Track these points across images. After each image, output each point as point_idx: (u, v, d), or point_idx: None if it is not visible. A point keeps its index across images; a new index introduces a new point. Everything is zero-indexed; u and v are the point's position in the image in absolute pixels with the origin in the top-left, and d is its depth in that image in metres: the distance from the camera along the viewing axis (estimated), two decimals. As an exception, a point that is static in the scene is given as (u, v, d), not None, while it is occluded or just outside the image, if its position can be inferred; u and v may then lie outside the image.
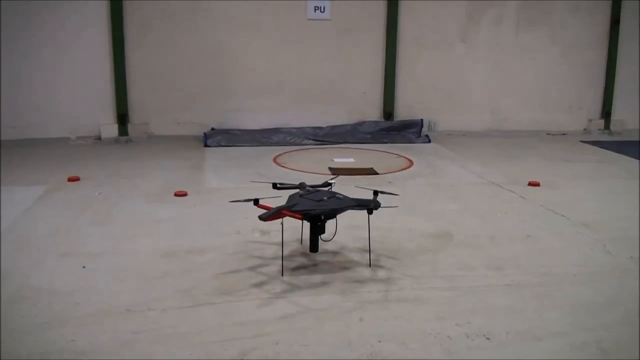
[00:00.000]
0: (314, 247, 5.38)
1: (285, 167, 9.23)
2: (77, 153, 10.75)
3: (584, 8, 13.54)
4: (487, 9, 13.23)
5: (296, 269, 5.31)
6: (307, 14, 12.58)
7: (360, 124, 12.95)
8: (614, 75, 13.88)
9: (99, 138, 11.94)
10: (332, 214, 5.23)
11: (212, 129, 12.02)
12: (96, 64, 11.86)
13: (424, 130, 13.07)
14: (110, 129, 12.02)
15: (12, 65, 11.39)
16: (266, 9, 12.34)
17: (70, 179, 8.43)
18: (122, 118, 12.06)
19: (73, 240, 6.02)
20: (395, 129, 12.92)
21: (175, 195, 7.61)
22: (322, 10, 12.62)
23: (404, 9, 12.87)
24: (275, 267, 5.22)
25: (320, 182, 5.87)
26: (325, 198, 5.20)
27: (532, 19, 13.40)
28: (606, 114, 14.10)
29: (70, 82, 11.78)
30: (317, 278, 5.11)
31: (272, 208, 5.13)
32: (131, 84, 12.09)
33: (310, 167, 9.26)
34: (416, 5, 12.92)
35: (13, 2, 11.16)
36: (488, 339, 4.12)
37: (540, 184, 8.51)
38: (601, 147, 12.06)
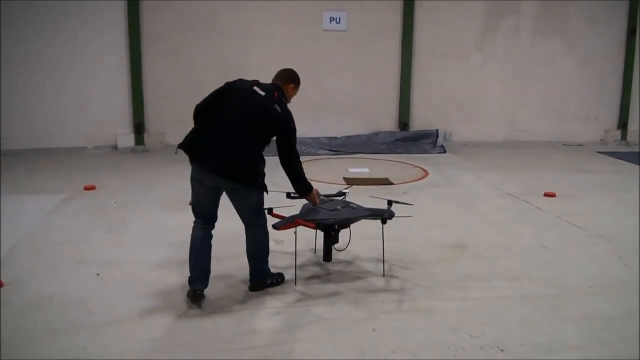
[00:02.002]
0: (327, 256, 5.35)
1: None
2: (93, 162, 10.84)
3: (600, 18, 13.50)
4: (504, 19, 13.22)
5: (309, 278, 5.31)
6: (322, 26, 12.65)
7: (376, 134, 12.97)
8: (631, 86, 13.80)
9: (116, 147, 12.05)
10: (346, 224, 5.21)
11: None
12: (114, 74, 12.02)
13: (439, 140, 13.05)
14: (127, 139, 12.12)
15: (32, 76, 11.53)
16: (282, 21, 12.43)
17: (87, 188, 8.50)
18: (139, 128, 12.16)
19: (88, 248, 6.06)
20: (410, 139, 12.92)
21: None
22: (338, 21, 12.68)
23: (419, 20, 12.89)
24: (288, 277, 5.21)
25: (334, 192, 5.86)
26: (339, 207, 5.19)
27: (549, 29, 13.37)
28: (623, 124, 14.00)
29: (88, 93, 11.94)
30: (330, 288, 5.10)
31: (285, 217, 5.14)
32: (148, 95, 12.21)
33: (325, 176, 9.26)
34: (432, 16, 12.94)
35: (33, 15, 11.30)
36: (502, 350, 4.08)
37: (556, 195, 8.45)
38: (618, 158, 11.96)
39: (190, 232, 4.89)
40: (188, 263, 4.81)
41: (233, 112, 4.65)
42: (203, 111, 4.80)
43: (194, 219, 4.89)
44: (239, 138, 4.57)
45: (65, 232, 6.58)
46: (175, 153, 4.87)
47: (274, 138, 4.80)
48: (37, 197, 8.05)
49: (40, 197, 8.05)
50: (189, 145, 4.67)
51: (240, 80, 4.96)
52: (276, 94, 4.82)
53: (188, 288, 4.77)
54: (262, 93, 4.75)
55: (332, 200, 5.47)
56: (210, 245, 4.87)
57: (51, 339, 4.14)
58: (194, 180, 4.73)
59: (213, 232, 4.91)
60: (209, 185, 4.66)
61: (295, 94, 5.07)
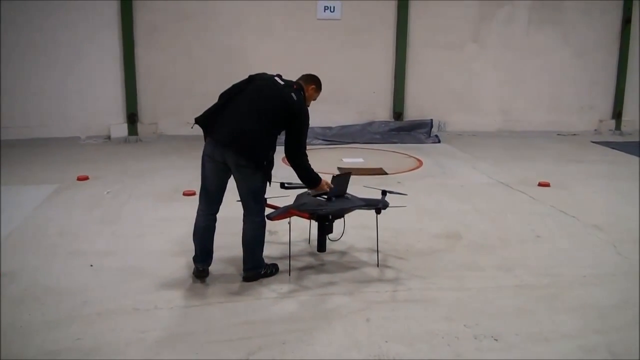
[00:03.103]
0: (321, 247, 5.35)
1: (294, 167, 9.21)
2: (87, 152, 10.80)
3: (595, 8, 13.48)
4: (499, 9, 13.20)
5: (304, 268, 5.30)
6: (317, 14, 12.58)
7: (370, 124, 12.94)
8: (625, 76, 13.80)
9: (109, 138, 12.00)
10: (340, 214, 5.21)
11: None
12: (107, 64, 11.95)
13: (434, 130, 13.04)
14: (120, 129, 12.08)
15: (24, 66, 11.47)
16: (276, 10, 12.37)
17: (80, 178, 8.46)
18: (132, 118, 12.12)
19: (81, 239, 6.03)
20: (404, 129, 12.90)
21: (184, 194, 7.62)
22: (332, 10, 12.62)
23: (414, 9, 12.85)
24: (282, 267, 5.20)
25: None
26: (334, 198, 5.17)
27: (544, 19, 13.35)
28: (617, 114, 14.02)
29: (81, 83, 11.87)
30: (324, 278, 5.10)
31: (280, 207, 5.13)
32: (141, 85, 12.15)
33: (319, 167, 9.18)
34: (427, 5, 12.90)
35: (26, 5, 11.22)
36: (496, 340, 4.09)
37: (551, 185, 8.46)
38: (612, 148, 11.99)
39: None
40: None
41: (251, 96, 4.86)
42: (224, 95, 4.99)
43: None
44: (254, 118, 4.75)
45: (59, 223, 6.55)
46: (192, 127, 4.99)
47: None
48: (30, 187, 8.01)
49: (33, 187, 8.00)
50: (205, 119, 4.87)
51: (264, 72, 5.18)
52: (295, 85, 5.03)
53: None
54: (282, 82, 5.00)
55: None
56: (212, 230, 5.02)
57: (45, 330, 4.12)
58: (205, 156, 4.85)
59: (218, 215, 5.02)
60: (218, 160, 4.75)
61: (314, 97, 5.23)
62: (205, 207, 4.96)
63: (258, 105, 4.79)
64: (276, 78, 5.03)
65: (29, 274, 5.09)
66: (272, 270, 5.11)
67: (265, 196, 5.10)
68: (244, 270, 5.00)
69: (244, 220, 4.92)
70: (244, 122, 4.72)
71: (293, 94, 4.90)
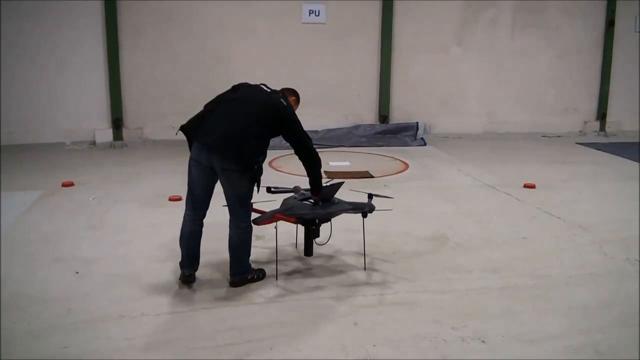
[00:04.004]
0: (308, 251, 5.35)
1: (281, 171, 9.20)
2: (71, 158, 10.73)
3: (579, 11, 13.58)
4: (483, 12, 13.26)
5: (291, 273, 5.29)
6: (302, 18, 12.58)
7: (356, 127, 12.95)
8: (609, 77, 13.91)
9: (94, 143, 11.92)
10: (327, 218, 5.22)
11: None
12: (91, 69, 11.86)
13: (420, 133, 13.08)
14: (105, 134, 12.00)
15: (8, 70, 11.36)
16: (261, 13, 12.35)
17: (65, 184, 8.40)
18: (117, 123, 12.05)
19: (66, 246, 5.99)
20: (390, 132, 12.92)
21: (170, 200, 7.58)
22: (317, 14, 12.63)
23: (399, 13, 12.88)
24: (269, 272, 5.18)
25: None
26: (320, 202, 5.17)
27: (528, 22, 13.43)
28: (602, 115, 14.12)
29: (65, 87, 11.76)
30: (311, 282, 5.09)
31: (266, 212, 5.12)
32: (126, 89, 12.09)
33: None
34: (411, 9, 12.94)
35: (9, 8, 11.13)
36: (483, 342, 4.10)
37: (536, 186, 8.51)
38: (597, 149, 12.08)
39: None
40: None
41: (238, 102, 4.89)
42: (210, 104, 5.01)
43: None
44: (241, 122, 4.73)
45: (43, 229, 6.50)
46: (176, 134, 4.98)
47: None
48: (13, 194, 7.93)
49: (17, 194, 7.93)
50: (191, 125, 4.85)
51: (246, 82, 5.21)
52: (280, 93, 5.09)
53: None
54: (268, 89, 5.04)
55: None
56: (199, 235, 5.01)
57: (30, 339, 4.08)
58: (191, 160, 4.83)
59: (204, 220, 5.02)
60: (204, 165, 4.73)
61: (295, 109, 5.19)
62: (192, 212, 4.95)
63: (246, 110, 4.79)
64: (262, 85, 5.06)
65: (13, 282, 5.03)
66: (259, 275, 5.09)
67: (252, 201, 5.09)
68: (231, 275, 4.98)
69: (230, 226, 4.89)
70: (230, 126, 4.70)
71: (282, 100, 4.96)
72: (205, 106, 5.00)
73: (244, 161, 4.64)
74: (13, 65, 11.39)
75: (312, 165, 5.07)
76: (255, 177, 4.75)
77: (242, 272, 4.99)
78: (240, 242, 4.92)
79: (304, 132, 4.99)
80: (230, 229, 4.90)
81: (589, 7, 13.63)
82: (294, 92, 5.30)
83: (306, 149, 5.00)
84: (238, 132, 4.66)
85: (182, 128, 4.86)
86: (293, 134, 4.93)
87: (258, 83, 5.14)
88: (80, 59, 11.80)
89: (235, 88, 5.05)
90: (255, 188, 4.85)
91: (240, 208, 4.83)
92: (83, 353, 3.92)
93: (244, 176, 4.70)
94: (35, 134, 11.62)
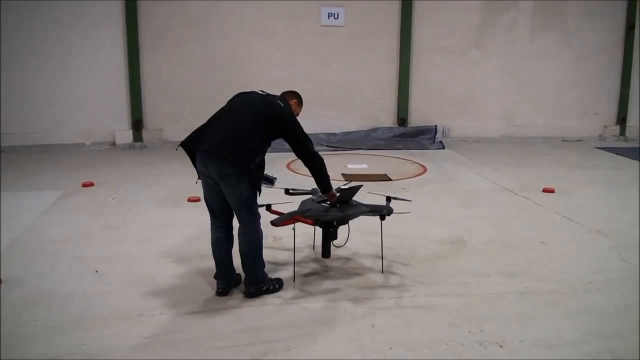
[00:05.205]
0: (326, 253, 5.34)
1: (299, 173, 9.23)
2: (92, 159, 10.84)
3: (598, 13, 13.46)
4: (501, 15, 13.20)
5: (308, 275, 5.31)
6: (320, 21, 12.60)
7: (374, 130, 12.95)
8: (629, 81, 13.77)
9: (114, 144, 12.03)
10: (345, 220, 5.21)
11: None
12: (111, 71, 11.97)
13: (438, 136, 13.04)
14: (125, 135, 12.11)
15: (28, 72, 11.50)
16: (280, 16, 12.39)
17: (85, 184, 8.48)
18: (137, 124, 12.14)
19: (86, 245, 6.06)
20: (409, 135, 12.91)
21: (189, 200, 7.63)
22: (336, 17, 12.64)
23: (418, 16, 12.86)
24: (287, 273, 5.21)
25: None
26: (338, 204, 5.18)
27: (546, 24, 13.34)
28: (622, 120, 13.99)
29: (86, 89, 11.88)
30: (329, 284, 5.10)
31: (284, 214, 5.13)
32: (146, 91, 12.18)
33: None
34: (430, 12, 12.91)
35: (29, 11, 11.26)
36: (501, 346, 4.09)
37: (555, 191, 8.45)
38: (616, 154, 11.97)
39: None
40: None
41: (235, 108, 4.81)
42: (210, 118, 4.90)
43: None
44: (235, 124, 4.64)
45: (64, 228, 6.57)
46: (176, 149, 4.93)
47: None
48: (35, 194, 8.04)
49: (39, 194, 8.04)
50: (191, 138, 4.76)
51: (243, 92, 5.09)
52: (279, 96, 5.00)
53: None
54: (263, 93, 4.94)
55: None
56: (227, 244, 4.88)
57: (49, 336, 4.14)
58: (199, 173, 4.77)
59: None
60: (205, 175, 4.68)
61: (297, 112, 5.07)
62: (212, 220, 4.90)
63: (239, 114, 4.70)
64: (257, 91, 4.98)
65: (33, 279, 5.11)
66: (274, 285, 4.93)
67: (270, 202, 5.10)
68: (245, 285, 4.89)
69: (238, 234, 4.79)
70: (224, 131, 4.60)
71: (279, 101, 4.86)
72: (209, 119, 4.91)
73: (239, 162, 4.49)
74: (33, 67, 11.51)
75: (314, 165, 4.91)
76: (253, 179, 4.58)
77: (256, 283, 4.84)
78: (248, 251, 4.77)
79: (304, 134, 4.84)
80: (238, 237, 4.79)
81: (609, 10, 13.50)
82: (295, 95, 5.17)
83: (305, 150, 4.85)
84: (231, 135, 4.55)
85: (182, 144, 4.78)
86: (291, 135, 4.78)
87: (256, 90, 5.03)
88: (101, 61, 11.91)
89: (233, 98, 4.99)
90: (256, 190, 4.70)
91: (245, 214, 4.69)
92: (101, 350, 3.96)
93: (241, 180, 4.52)
94: (56, 135, 11.75)
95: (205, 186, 4.78)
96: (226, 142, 4.54)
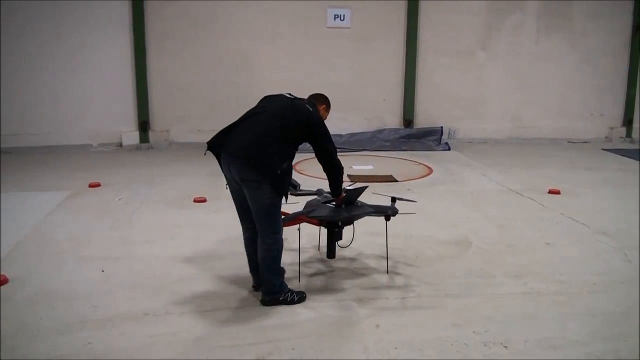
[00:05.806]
0: (331, 253, 5.35)
1: (304, 174, 9.24)
2: (98, 160, 10.89)
3: (604, 14, 13.46)
4: (507, 17, 13.20)
5: (313, 275, 5.32)
6: (326, 22, 12.63)
7: (380, 131, 12.97)
8: (636, 82, 13.76)
9: (120, 145, 12.08)
10: (350, 221, 5.22)
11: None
12: (118, 72, 12.03)
13: (444, 137, 13.05)
14: (132, 136, 12.16)
15: (35, 73, 11.56)
16: (286, 18, 12.43)
17: (92, 185, 8.53)
18: (143, 125, 12.18)
19: (92, 245, 6.09)
20: (414, 136, 12.92)
21: (195, 201, 7.66)
22: (342, 18, 12.67)
23: (423, 17, 12.88)
24: (292, 273, 5.22)
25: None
26: (343, 204, 5.19)
27: (552, 26, 13.34)
28: (628, 121, 13.96)
29: (93, 90, 11.95)
30: (333, 284, 5.11)
31: (289, 214, 5.14)
32: (152, 92, 12.23)
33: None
34: (436, 14, 12.93)
35: (36, 12, 11.32)
36: (505, 347, 4.09)
37: (561, 192, 8.45)
38: (622, 155, 11.95)
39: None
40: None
41: (262, 111, 4.70)
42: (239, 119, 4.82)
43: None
44: (261, 129, 4.52)
45: (70, 228, 6.61)
46: (204, 154, 4.84)
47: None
48: (42, 194, 8.08)
49: (45, 194, 8.08)
50: (216, 139, 4.65)
51: (272, 94, 4.99)
52: (307, 99, 4.90)
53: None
54: (291, 96, 4.83)
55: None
56: (254, 243, 4.75)
57: (55, 335, 4.16)
58: (224, 176, 4.70)
59: None
60: (229, 178, 4.61)
61: (324, 117, 4.97)
62: (241, 221, 4.84)
63: (266, 118, 4.59)
64: (285, 94, 4.86)
65: (39, 279, 5.14)
66: (294, 297, 4.73)
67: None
68: (262, 293, 4.79)
69: (257, 241, 4.67)
70: (250, 134, 4.50)
71: (307, 105, 4.74)
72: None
73: (262, 168, 4.37)
74: (40, 68, 11.58)
75: (334, 175, 4.86)
76: (279, 185, 4.43)
77: (272, 293, 4.70)
78: (263, 259, 4.64)
79: (331, 142, 4.74)
80: (258, 245, 4.67)
81: (615, 12, 13.49)
82: (324, 100, 5.05)
83: (330, 159, 4.75)
84: (256, 139, 4.45)
85: (209, 144, 4.67)
86: (318, 141, 4.67)
87: (284, 92, 4.92)
88: (108, 62, 11.97)
89: (261, 100, 4.92)
90: (282, 197, 4.57)
91: (265, 222, 4.54)
92: (108, 350, 3.98)
93: (263, 186, 4.39)
94: (62, 136, 11.81)
95: (230, 189, 4.71)
96: (250, 145, 4.44)
